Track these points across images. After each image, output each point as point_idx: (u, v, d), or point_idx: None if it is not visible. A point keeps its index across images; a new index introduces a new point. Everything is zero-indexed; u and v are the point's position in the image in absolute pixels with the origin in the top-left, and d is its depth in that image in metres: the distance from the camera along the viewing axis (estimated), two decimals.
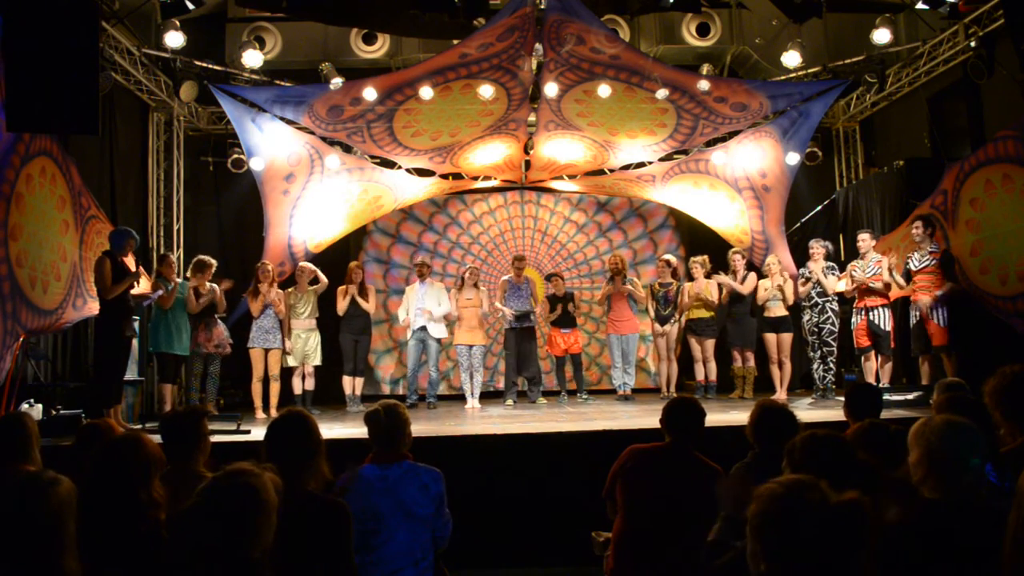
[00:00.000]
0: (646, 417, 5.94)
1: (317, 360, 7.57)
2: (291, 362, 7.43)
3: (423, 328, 7.85)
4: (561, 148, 8.78)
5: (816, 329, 7.40)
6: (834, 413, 5.50)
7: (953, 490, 2.11)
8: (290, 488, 2.43)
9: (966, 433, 2.17)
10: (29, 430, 3.10)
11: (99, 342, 5.98)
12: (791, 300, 7.56)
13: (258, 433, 4.52)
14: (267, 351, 7.19)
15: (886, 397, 5.63)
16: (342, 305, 7.67)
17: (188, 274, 7.14)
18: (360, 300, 7.68)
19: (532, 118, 8.20)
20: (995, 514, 2.01)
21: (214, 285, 7.14)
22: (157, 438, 2.72)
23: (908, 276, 6.85)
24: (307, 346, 7.48)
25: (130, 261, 6.04)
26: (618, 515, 3.12)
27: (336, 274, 7.93)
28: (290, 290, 7.54)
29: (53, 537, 1.73)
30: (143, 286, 6.43)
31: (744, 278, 7.80)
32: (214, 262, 7.23)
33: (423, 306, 7.83)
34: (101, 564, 2.04)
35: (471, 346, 7.89)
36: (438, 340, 7.93)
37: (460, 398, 8.31)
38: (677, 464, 3.08)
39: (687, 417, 3.19)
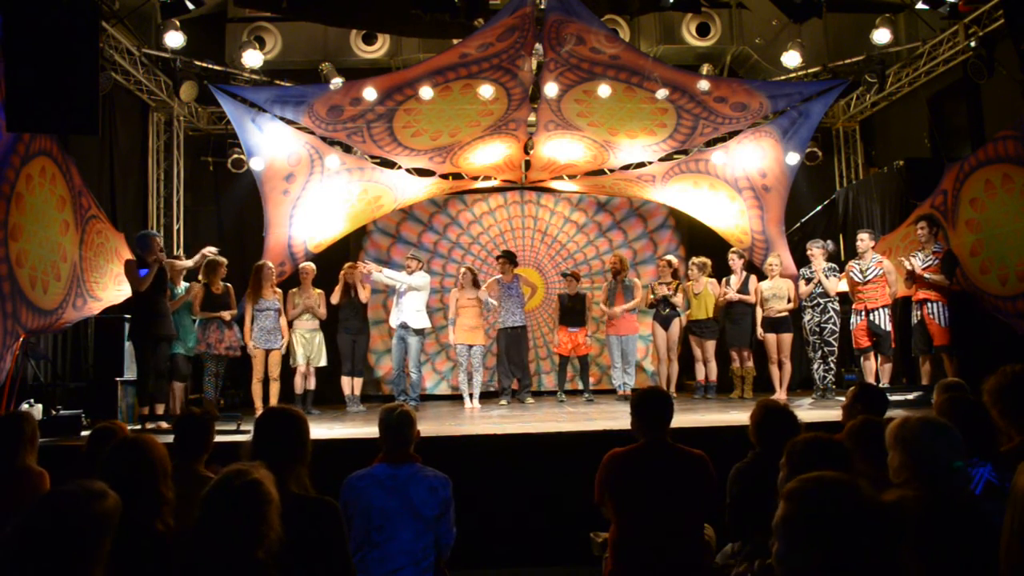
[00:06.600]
0: None
1: (322, 361, 7.57)
2: (295, 362, 7.42)
3: (403, 325, 7.78)
4: (561, 148, 8.77)
5: (818, 329, 7.39)
6: (834, 413, 5.49)
7: (937, 489, 2.10)
8: (279, 488, 2.43)
9: (946, 433, 2.16)
10: (29, 428, 3.11)
11: (132, 343, 6.28)
12: (795, 304, 7.55)
13: None
14: (267, 351, 7.18)
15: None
16: (336, 296, 7.69)
17: (200, 275, 7.10)
18: (360, 287, 7.67)
19: (532, 118, 8.19)
20: (983, 514, 2.01)
21: (228, 285, 7.13)
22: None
23: (912, 276, 6.85)
24: (311, 347, 7.47)
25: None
26: (612, 523, 3.11)
27: (336, 274, 7.93)
28: (294, 290, 7.54)
29: (88, 551, 1.68)
30: (187, 261, 6.97)
31: (745, 280, 7.80)
32: (225, 261, 7.22)
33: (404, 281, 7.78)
34: (117, 566, 2.02)
35: (471, 346, 7.88)
36: (417, 333, 7.80)
37: (460, 398, 8.30)
38: (660, 462, 3.07)
39: (657, 410, 3.16)
